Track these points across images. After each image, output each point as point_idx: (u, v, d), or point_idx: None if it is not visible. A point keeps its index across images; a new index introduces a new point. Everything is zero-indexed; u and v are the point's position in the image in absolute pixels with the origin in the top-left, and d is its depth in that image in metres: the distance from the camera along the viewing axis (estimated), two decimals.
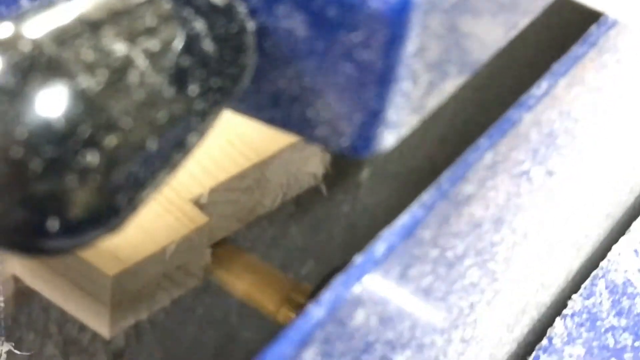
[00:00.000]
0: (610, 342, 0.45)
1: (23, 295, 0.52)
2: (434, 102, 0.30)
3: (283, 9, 0.28)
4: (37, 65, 0.24)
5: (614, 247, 0.50)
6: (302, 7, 0.28)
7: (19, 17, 0.26)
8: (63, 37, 0.25)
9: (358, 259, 0.29)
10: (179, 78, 0.26)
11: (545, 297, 0.48)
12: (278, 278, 0.50)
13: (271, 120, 0.31)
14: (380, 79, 0.27)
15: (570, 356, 0.45)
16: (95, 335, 0.54)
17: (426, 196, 0.31)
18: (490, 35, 0.32)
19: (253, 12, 0.28)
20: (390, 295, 0.30)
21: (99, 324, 0.46)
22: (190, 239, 0.47)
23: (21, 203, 0.24)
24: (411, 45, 0.27)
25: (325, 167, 0.55)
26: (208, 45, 0.27)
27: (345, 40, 0.27)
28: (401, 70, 0.27)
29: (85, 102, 0.24)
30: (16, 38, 0.24)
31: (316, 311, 0.27)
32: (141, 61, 0.25)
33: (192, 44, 0.27)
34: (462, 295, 0.37)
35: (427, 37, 0.27)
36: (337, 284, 0.28)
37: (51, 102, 0.24)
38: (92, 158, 0.24)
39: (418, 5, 0.26)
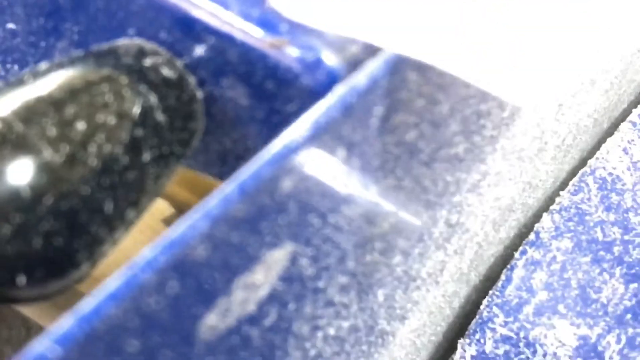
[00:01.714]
0: (599, 235, 0.45)
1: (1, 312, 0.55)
2: None
3: (227, 81, 0.31)
4: (7, 142, 0.27)
5: (603, 146, 0.49)
6: (243, 81, 0.31)
7: None
8: (29, 115, 0.28)
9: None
10: (134, 147, 0.29)
11: (532, 200, 0.48)
12: None
13: (219, 175, 0.34)
14: None
15: (558, 250, 0.45)
16: None
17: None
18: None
19: (202, 83, 0.32)
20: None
21: None
22: None
23: None
24: None
25: None
26: (160, 116, 0.30)
27: (281, 109, 0.31)
28: None
29: (49, 173, 0.27)
30: None
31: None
32: (99, 135, 0.29)
33: (146, 115, 0.30)
34: (447, 167, 0.37)
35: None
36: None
37: (19, 174, 0.27)
38: (55, 222, 0.27)
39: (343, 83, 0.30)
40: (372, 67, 0.28)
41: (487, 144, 0.38)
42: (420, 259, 0.40)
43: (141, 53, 0.31)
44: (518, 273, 0.45)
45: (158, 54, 0.31)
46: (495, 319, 0.44)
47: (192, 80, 0.32)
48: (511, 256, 0.47)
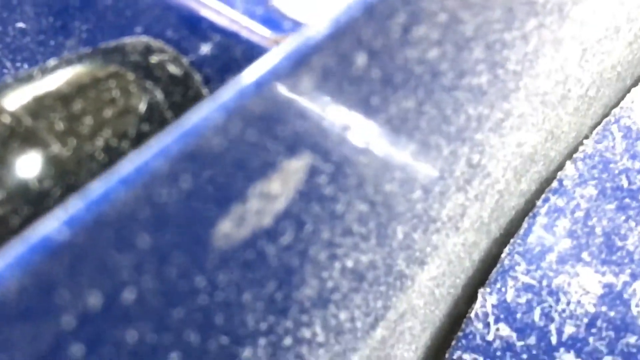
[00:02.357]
0: (624, 183, 0.43)
1: None
2: None
3: (233, 78, 0.32)
4: (16, 135, 0.28)
5: (627, 96, 0.48)
6: None
7: None
8: (38, 109, 0.29)
9: None
10: (140, 142, 0.30)
11: (554, 152, 0.47)
12: None
13: None
14: None
15: (582, 197, 0.44)
16: None
17: None
18: None
19: (207, 80, 0.33)
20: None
21: None
22: None
23: None
24: None
25: None
26: (166, 112, 0.31)
27: None
28: None
29: (57, 167, 0.28)
30: None
31: None
32: (106, 129, 0.29)
33: (152, 111, 0.30)
34: (469, 97, 0.36)
35: None
36: None
37: (27, 167, 0.27)
38: None
39: None
40: None
41: (510, 79, 0.37)
42: (440, 199, 0.39)
43: (148, 50, 0.32)
44: (540, 221, 0.43)
45: (164, 51, 0.32)
46: (517, 267, 0.43)
47: (197, 77, 0.32)
48: (532, 209, 0.46)
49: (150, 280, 0.25)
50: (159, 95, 0.31)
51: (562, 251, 0.43)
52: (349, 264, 0.35)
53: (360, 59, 0.28)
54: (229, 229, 0.27)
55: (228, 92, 0.24)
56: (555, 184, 0.45)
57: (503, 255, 0.44)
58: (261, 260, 0.29)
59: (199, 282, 0.27)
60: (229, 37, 0.32)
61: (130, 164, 0.23)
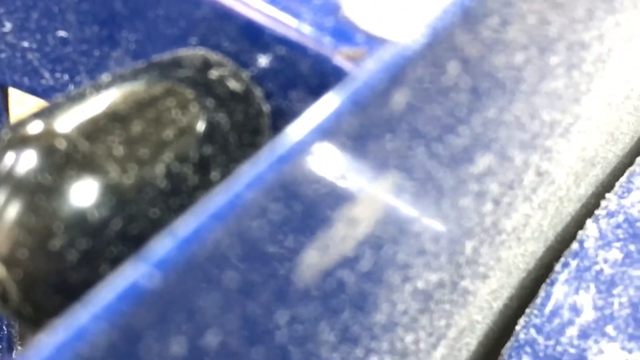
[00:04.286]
0: None
1: None
2: None
3: (297, 94, 0.29)
4: (72, 162, 0.25)
5: None
6: (315, 93, 0.29)
7: (48, 110, 0.27)
8: (95, 133, 0.26)
9: None
10: (202, 166, 0.27)
11: (612, 155, 0.44)
12: None
13: None
14: None
15: (606, 261, 0.38)
16: None
17: None
18: None
19: (269, 96, 0.30)
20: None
21: None
22: None
23: (59, 291, 0.25)
24: None
25: None
26: (229, 132, 0.28)
27: None
28: None
29: (117, 195, 0.25)
30: (50, 135, 0.25)
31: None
32: (167, 153, 0.26)
33: (214, 131, 0.28)
34: (545, 103, 0.33)
35: None
36: None
37: (85, 197, 0.25)
38: (123, 248, 0.25)
39: None
40: None
41: (583, 81, 0.35)
42: (508, 210, 0.36)
43: (206, 64, 0.29)
44: (560, 289, 0.38)
45: (223, 65, 0.29)
46: (533, 343, 0.38)
47: (258, 92, 0.30)
48: (585, 216, 0.43)
49: (234, 320, 0.22)
50: (221, 113, 0.28)
51: (584, 324, 0.37)
52: (420, 284, 0.32)
53: (453, 68, 0.25)
54: (314, 260, 0.24)
55: (322, 112, 0.22)
56: (575, 245, 0.39)
57: (518, 328, 0.39)
58: (340, 289, 0.27)
59: (280, 317, 0.24)
60: (294, 50, 0.29)
61: (221, 196, 0.20)
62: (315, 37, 0.29)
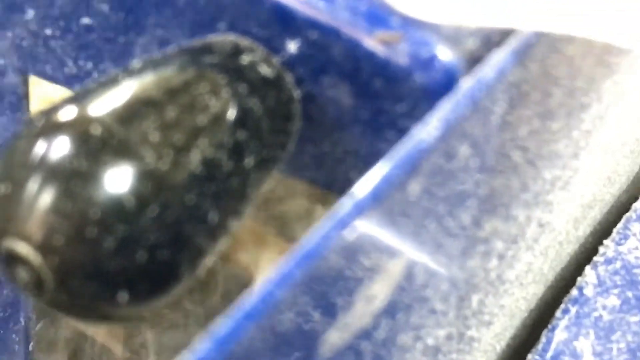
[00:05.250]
0: None
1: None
2: None
3: (329, 80, 0.29)
4: (108, 148, 0.25)
5: None
6: (348, 78, 0.29)
7: (80, 95, 0.27)
8: (129, 118, 0.26)
9: None
10: (236, 152, 0.27)
11: (609, 195, 0.45)
12: None
13: (313, 181, 0.32)
14: None
15: (604, 308, 0.39)
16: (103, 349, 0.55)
17: None
18: None
19: (299, 82, 0.30)
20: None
21: (112, 339, 0.47)
22: None
23: (95, 279, 0.25)
24: None
25: None
26: (261, 118, 0.28)
27: (390, 110, 0.29)
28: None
29: (153, 182, 0.25)
30: (85, 121, 0.25)
31: None
32: (201, 139, 0.27)
33: (247, 117, 0.28)
34: (547, 164, 0.34)
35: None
36: None
37: (122, 184, 0.25)
38: (160, 235, 0.25)
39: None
40: (498, 59, 0.26)
41: (582, 137, 0.37)
42: (511, 262, 0.38)
43: (237, 50, 0.29)
44: (560, 335, 0.39)
45: (254, 50, 0.29)
46: None
47: (289, 78, 0.30)
48: (584, 254, 0.44)
49: None
50: (253, 99, 0.28)
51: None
52: (430, 341, 0.34)
53: (463, 152, 0.27)
54: (335, 339, 0.26)
55: (344, 207, 0.23)
56: (575, 292, 0.41)
57: None
58: (358, 358, 0.28)
59: None
60: (328, 35, 0.28)
61: (253, 296, 0.21)
62: (349, 20, 0.28)
